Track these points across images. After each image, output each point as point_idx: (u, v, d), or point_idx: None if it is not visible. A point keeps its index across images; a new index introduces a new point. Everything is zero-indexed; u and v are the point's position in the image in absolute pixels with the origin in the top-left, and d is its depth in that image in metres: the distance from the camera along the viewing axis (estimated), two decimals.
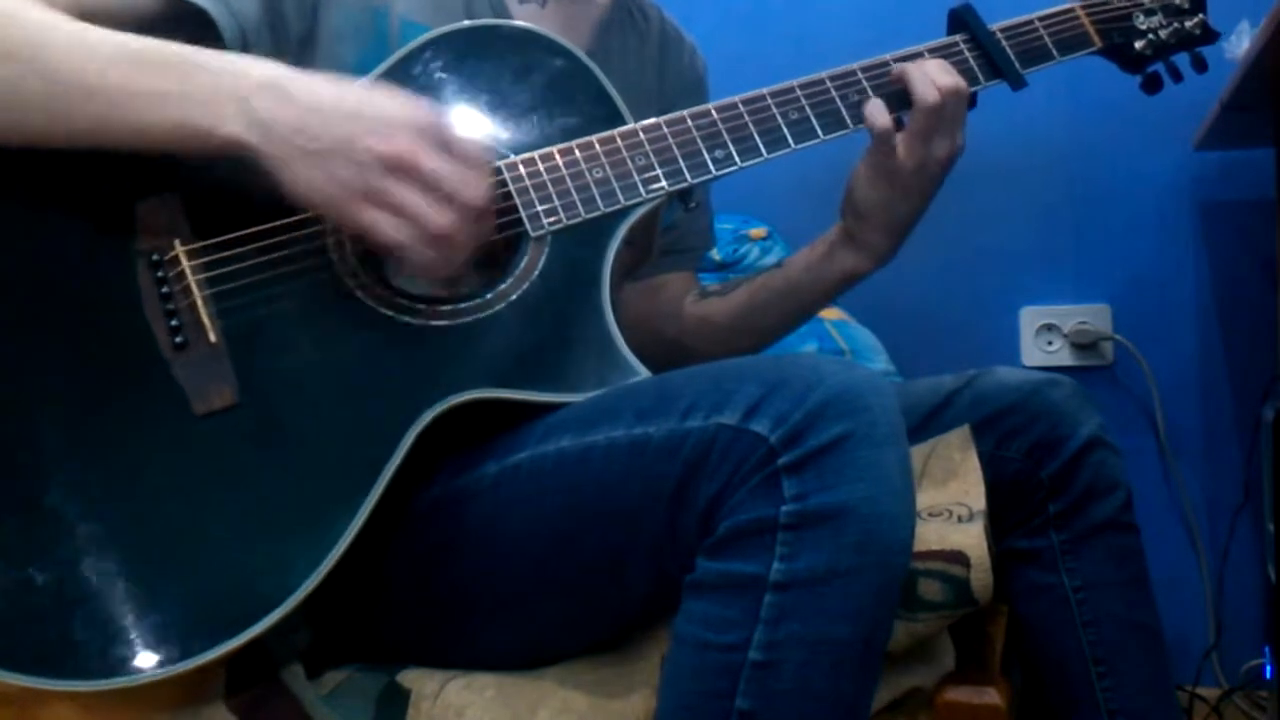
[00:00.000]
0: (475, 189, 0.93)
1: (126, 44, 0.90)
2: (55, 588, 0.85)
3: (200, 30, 1.01)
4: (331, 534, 0.88)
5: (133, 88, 0.89)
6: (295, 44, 1.06)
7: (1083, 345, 1.83)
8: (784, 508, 0.81)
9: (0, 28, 0.88)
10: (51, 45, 0.89)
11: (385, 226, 0.91)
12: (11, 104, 0.89)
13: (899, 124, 1.12)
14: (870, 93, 1.13)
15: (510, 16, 1.16)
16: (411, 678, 0.97)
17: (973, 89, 1.16)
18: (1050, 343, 1.85)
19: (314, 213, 0.96)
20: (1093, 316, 1.83)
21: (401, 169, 0.90)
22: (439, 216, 0.91)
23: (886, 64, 1.14)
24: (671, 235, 1.30)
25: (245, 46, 1.02)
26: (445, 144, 0.92)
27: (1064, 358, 1.84)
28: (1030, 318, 1.86)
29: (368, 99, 0.93)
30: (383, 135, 0.90)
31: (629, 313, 1.27)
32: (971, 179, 1.71)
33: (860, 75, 1.14)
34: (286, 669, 0.96)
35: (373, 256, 1.00)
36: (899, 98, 1.12)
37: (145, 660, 0.84)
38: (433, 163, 0.91)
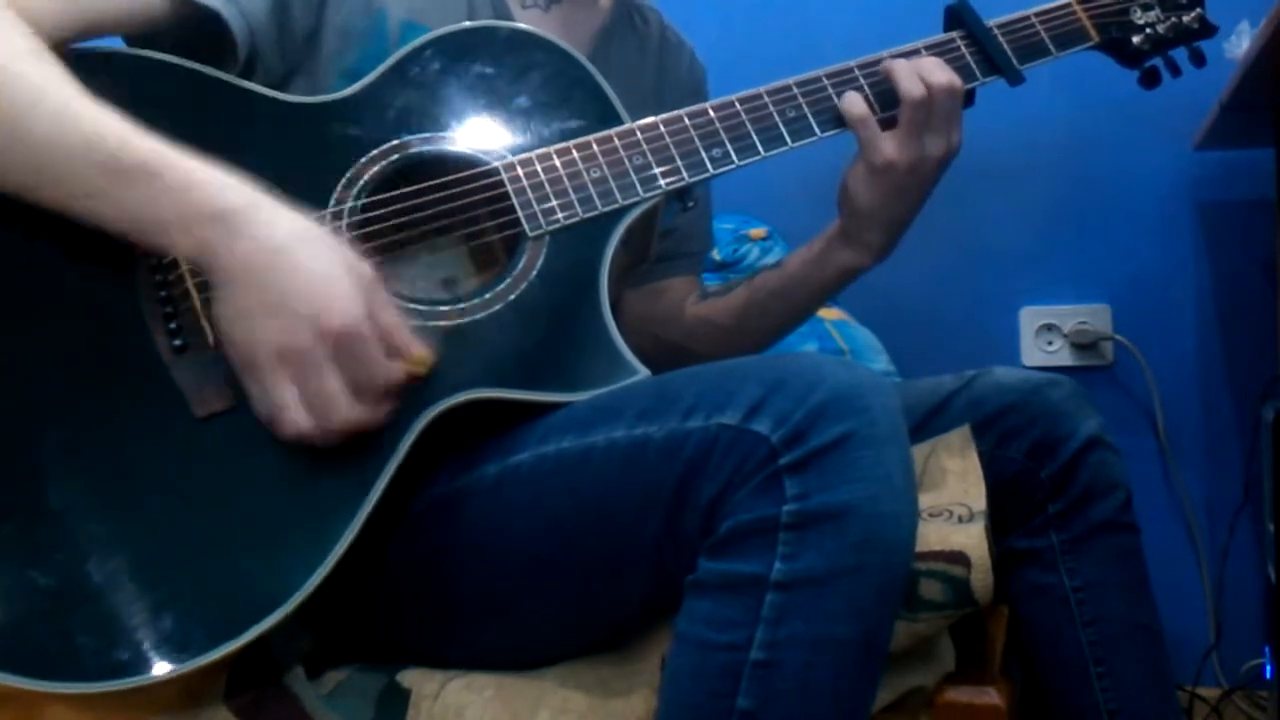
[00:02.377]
0: (390, 392, 0.90)
1: (101, 137, 0.87)
2: (56, 590, 0.84)
3: (209, 28, 1.01)
4: (332, 535, 0.88)
5: (97, 192, 0.87)
6: (301, 42, 1.07)
7: (1083, 345, 1.83)
8: (785, 507, 0.81)
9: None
10: (34, 120, 0.87)
11: (287, 395, 0.87)
12: None
13: (892, 122, 1.12)
14: (868, 90, 1.13)
15: (512, 20, 1.16)
16: (411, 678, 0.97)
17: (970, 85, 1.16)
18: (1050, 343, 1.85)
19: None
20: (1093, 316, 1.83)
21: (334, 350, 0.87)
22: (340, 406, 0.88)
23: (882, 61, 1.14)
24: (672, 239, 1.30)
25: (253, 45, 1.02)
26: (381, 335, 0.89)
27: (1064, 358, 1.84)
28: (1030, 318, 1.86)
29: (319, 259, 0.88)
30: (316, 317, 0.86)
31: (631, 317, 1.27)
32: (971, 178, 1.71)
33: (857, 73, 1.14)
34: (287, 670, 0.96)
35: (371, 259, 0.99)
36: (891, 95, 1.12)
37: (146, 662, 0.83)
38: (355, 362, 0.87)
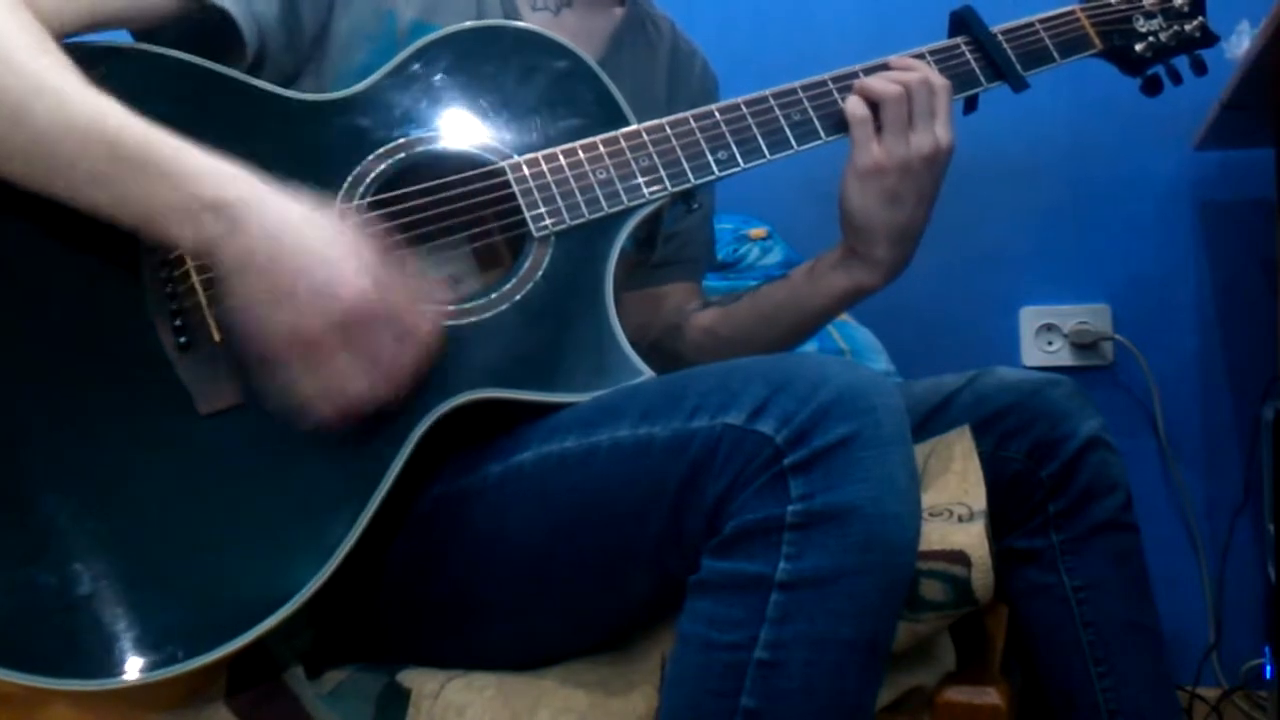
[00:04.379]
0: (404, 369, 0.90)
1: (103, 123, 0.87)
2: (58, 587, 0.84)
3: (218, 25, 1.00)
4: (336, 535, 0.88)
5: (99, 180, 0.87)
6: (309, 42, 1.07)
7: (1083, 345, 1.83)
8: (790, 507, 0.81)
9: None
10: (37, 106, 0.86)
11: (303, 382, 0.88)
12: None
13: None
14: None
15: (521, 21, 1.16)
16: (412, 677, 0.97)
17: (974, 91, 1.17)
18: (1050, 343, 1.85)
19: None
20: (1093, 316, 1.83)
21: (342, 335, 0.87)
22: (357, 388, 0.88)
23: (888, 66, 1.14)
24: (673, 244, 1.30)
25: (262, 43, 1.02)
26: (392, 313, 0.89)
27: (1064, 358, 1.84)
28: (1030, 318, 1.86)
29: (320, 246, 0.88)
30: (330, 294, 0.86)
31: (629, 322, 1.27)
32: (971, 179, 1.72)
33: (862, 77, 1.14)
34: (287, 669, 0.96)
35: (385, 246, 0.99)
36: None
37: (148, 660, 0.83)
38: (369, 336, 0.88)
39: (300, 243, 0.87)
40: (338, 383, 0.88)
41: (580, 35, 1.17)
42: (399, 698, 0.96)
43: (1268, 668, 1.64)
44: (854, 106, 1.11)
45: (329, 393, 0.88)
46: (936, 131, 1.11)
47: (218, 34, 1.01)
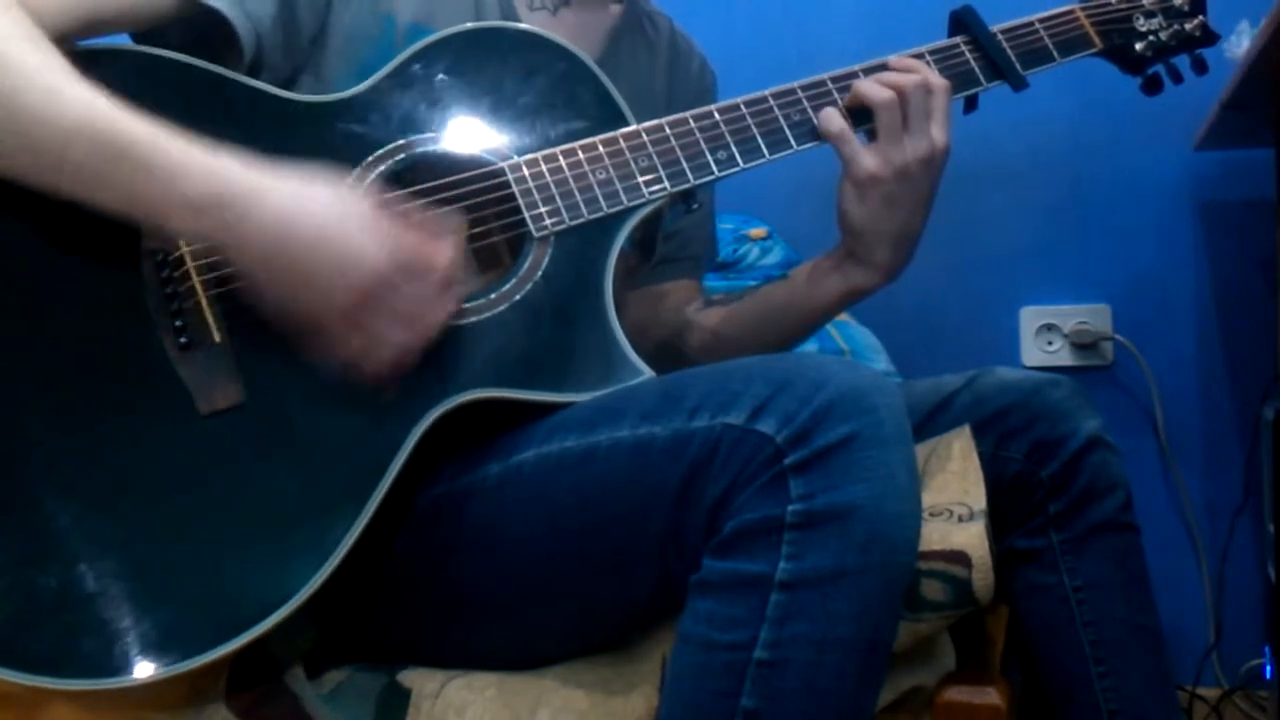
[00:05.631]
0: (439, 309, 0.93)
1: (92, 118, 0.87)
2: (58, 587, 0.85)
3: (214, 28, 1.00)
4: (335, 535, 0.89)
5: (88, 171, 0.87)
6: (307, 43, 1.06)
7: (1083, 345, 1.83)
8: (790, 507, 0.81)
9: None
10: (26, 102, 0.86)
11: (341, 349, 0.92)
12: None
13: (875, 135, 1.12)
14: (843, 104, 1.13)
15: (520, 22, 1.16)
16: (412, 677, 0.98)
17: (974, 90, 1.16)
18: (1050, 343, 1.85)
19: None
20: (1093, 316, 1.83)
21: (370, 304, 0.90)
22: (394, 342, 0.92)
23: (888, 66, 1.14)
24: (673, 242, 1.30)
25: (259, 47, 1.02)
26: (410, 267, 0.91)
27: (1064, 358, 1.84)
28: (1030, 318, 1.86)
29: (329, 225, 0.90)
30: (348, 272, 0.89)
31: (629, 321, 1.27)
32: (971, 179, 1.72)
33: (862, 77, 1.14)
34: (288, 669, 0.96)
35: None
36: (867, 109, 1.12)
37: (148, 660, 0.84)
38: (397, 295, 0.91)
39: (310, 222, 0.89)
40: (374, 343, 0.91)
41: (578, 34, 1.18)
42: (399, 698, 0.96)
43: (1268, 668, 1.64)
44: (829, 121, 1.11)
45: (368, 353, 0.91)
46: (932, 133, 1.10)
47: (215, 36, 1.01)
